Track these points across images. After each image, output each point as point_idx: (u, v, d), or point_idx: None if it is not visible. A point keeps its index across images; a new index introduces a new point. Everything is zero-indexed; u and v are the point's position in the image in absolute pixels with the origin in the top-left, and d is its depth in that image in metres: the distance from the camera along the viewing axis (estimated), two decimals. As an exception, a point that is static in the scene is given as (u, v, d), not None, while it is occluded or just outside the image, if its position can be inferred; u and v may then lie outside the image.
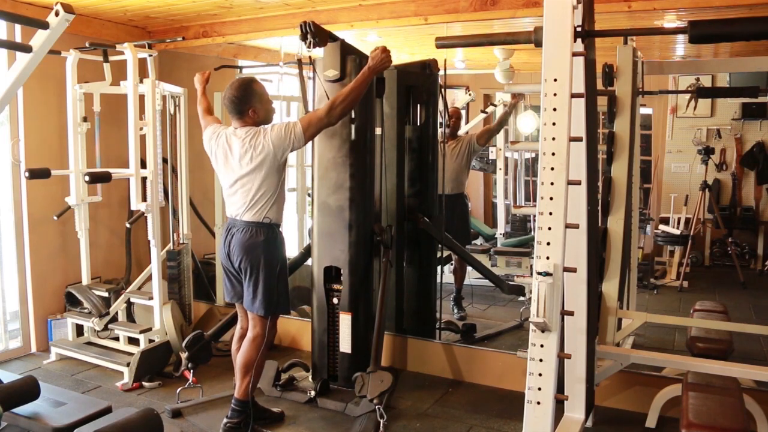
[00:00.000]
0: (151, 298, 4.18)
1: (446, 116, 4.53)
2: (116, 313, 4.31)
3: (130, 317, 4.50)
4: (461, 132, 6.10)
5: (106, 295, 4.35)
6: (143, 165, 4.13)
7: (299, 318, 4.62)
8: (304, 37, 3.23)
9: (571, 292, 2.66)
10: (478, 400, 3.68)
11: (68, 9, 2.86)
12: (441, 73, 4.29)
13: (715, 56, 5.01)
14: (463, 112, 6.17)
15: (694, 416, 2.62)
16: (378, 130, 3.87)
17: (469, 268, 5.02)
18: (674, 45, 4.85)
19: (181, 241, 4.47)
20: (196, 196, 4.77)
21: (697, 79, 5.87)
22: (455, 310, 5.06)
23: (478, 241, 6.15)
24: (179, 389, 3.56)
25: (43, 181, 4.02)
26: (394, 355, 4.14)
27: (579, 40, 2.25)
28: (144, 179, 4.10)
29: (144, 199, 4.11)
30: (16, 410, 2.95)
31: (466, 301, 5.19)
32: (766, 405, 2.99)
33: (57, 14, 2.85)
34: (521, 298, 4.96)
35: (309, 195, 4.77)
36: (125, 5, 4.19)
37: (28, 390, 3.02)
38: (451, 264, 5.23)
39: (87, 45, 4.15)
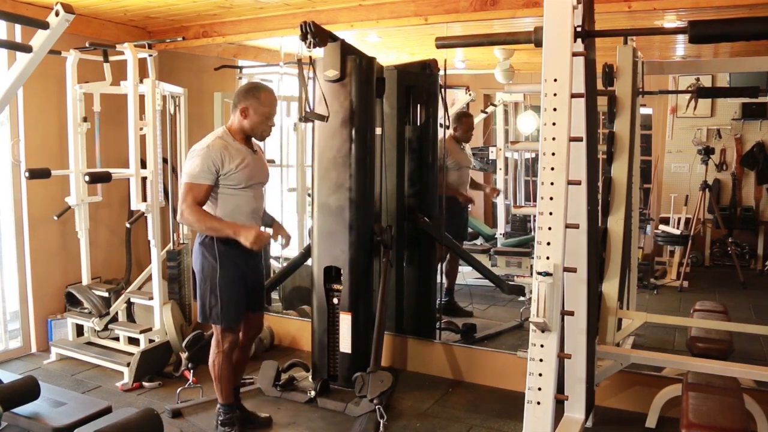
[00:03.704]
0: (151, 298, 4.18)
1: (447, 117, 4.52)
2: (116, 313, 4.32)
3: (130, 317, 4.50)
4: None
5: (106, 295, 4.35)
6: (143, 165, 4.13)
7: (299, 318, 4.62)
8: (304, 37, 3.23)
9: (571, 292, 2.66)
10: (478, 400, 3.68)
11: (68, 9, 2.86)
12: (441, 73, 4.29)
13: (715, 56, 5.01)
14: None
15: (694, 416, 2.62)
16: (378, 130, 3.87)
17: (466, 268, 5.00)
18: (674, 45, 4.85)
19: (181, 241, 4.47)
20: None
21: (697, 79, 5.86)
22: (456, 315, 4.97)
23: (478, 241, 6.14)
24: (179, 389, 3.56)
25: (43, 181, 4.02)
26: (394, 355, 4.14)
27: (579, 40, 2.25)
28: (144, 179, 4.10)
29: (144, 199, 4.11)
30: (16, 410, 2.95)
31: (466, 301, 5.18)
32: (766, 405, 3.00)
33: (57, 14, 2.85)
34: (521, 298, 4.95)
35: (309, 195, 4.77)
36: (125, 5, 4.19)
37: (28, 390, 3.02)
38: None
39: (87, 45, 4.15)
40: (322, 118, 3.42)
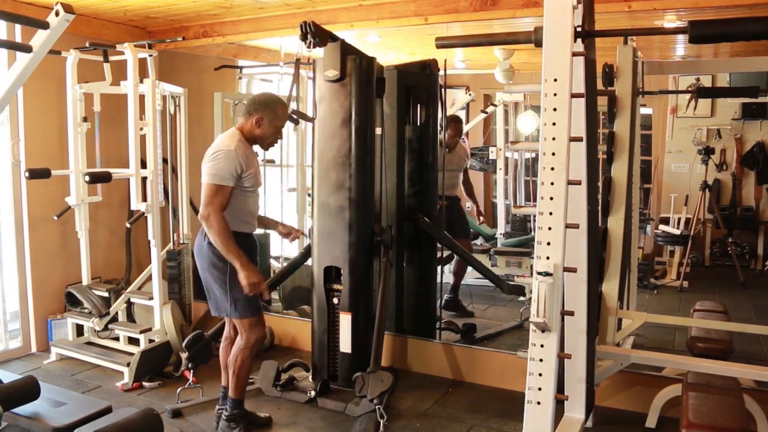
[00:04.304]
0: (151, 298, 4.18)
1: (445, 122, 4.51)
2: (116, 313, 4.31)
3: (130, 317, 4.50)
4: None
5: (106, 295, 4.35)
6: (143, 165, 4.13)
7: (299, 318, 4.62)
8: (304, 37, 3.23)
9: (571, 292, 2.65)
10: (478, 400, 3.68)
11: (68, 9, 2.86)
12: (441, 73, 4.29)
13: (715, 56, 5.01)
14: (463, 113, 6.18)
15: (694, 416, 2.62)
16: (378, 130, 3.87)
17: (468, 268, 5.01)
18: (674, 45, 4.85)
19: (181, 241, 4.47)
20: (196, 196, 4.75)
21: (697, 79, 5.87)
22: (458, 313, 4.96)
23: (478, 241, 6.15)
24: (179, 389, 3.56)
25: (43, 181, 4.02)
26: (394, 355, 4.14)
27: (579, 40, 2.25)
28: (144, 179, 4.10)
29: (144, 199, 4.11)
30: (17, 410, 2.96)
31: (466, 301, 5.19)
32: (766, 405, 2.99)
33: (57, 14, 2.85)
34: (521, 298, 4.96)
35: (309, 195, 4.77)
36: (125, 5, 4.19)
37: (28, 390, 3.03)
38: (451, 264, 5.22)
39: (87, 45, 4.15)
40: (307, 118, 3.42)
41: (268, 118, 2.97)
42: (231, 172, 2.85)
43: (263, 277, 2.95)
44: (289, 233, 3.35)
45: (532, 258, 2.76)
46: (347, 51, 3.52)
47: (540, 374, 2.14)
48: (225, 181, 2.85)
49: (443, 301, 4.98)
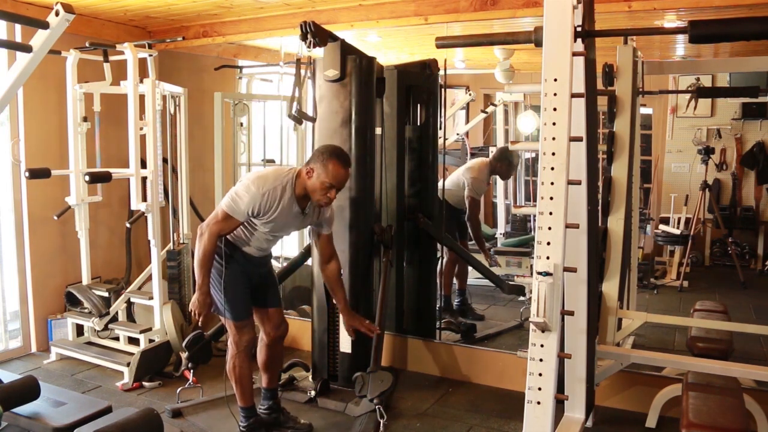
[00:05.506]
0: (151, 298, 4.19)
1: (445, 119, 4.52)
2: (116, 313, 4.32)
3: (130, 317, 4.51)
4: (462, 132, 6.12)
5: (106, 295, 4.35)
6: (143, 165, 4.13)
7: (299, 318, 4.62)
8: (304, 37, 3.23)
9: (571, 292, 2.66)
10: (478, 400, 3.68)
11: (68, 9, 2.86)
12: (441, 73, 4.29)
13: (715, 56, 5.01)
14: (463, 112, 6.18)
15: (695, 416, 2.62)
16: (378, 130, 3.87)
17: (470, 269, 5.01)
18: (674, 45, 4.85)
19: (181, 241, 4.47)
20: (196, 196, 4.77)
21: (697, 79, 5.87)
22: (469, 317, 4.95)
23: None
24: (179, 389, 3.56)
25: (43, 181, 4.02)
26: (394, 355, 4.14)
27: (579, 40, 2.25)
28: (144, 179, 4.10)
29: (144, 199, 4.11)
30: (17, 410, 2.96)
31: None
32: (766, 405, 3.00)
33: (57, 14, 2.86)
34: (521, 298, 4.96)
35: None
36: (125, 5, 4.19)
37: (28, 390, 3.03)
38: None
39: (87, 45, 4.15)
40: (310, 118, 3.43)
41: (317, 172, 2.79)
42: (247, 209, 2.79)
43: (209, 311, 2.90)
44: (351, 327, 3.25)
45: (532, 258, 2.76)
46: (347, 51, 3.52)
47: (540, 374, 2.14)
48: (236, 214, 2.80)
49: (458, 303, 4.99)
